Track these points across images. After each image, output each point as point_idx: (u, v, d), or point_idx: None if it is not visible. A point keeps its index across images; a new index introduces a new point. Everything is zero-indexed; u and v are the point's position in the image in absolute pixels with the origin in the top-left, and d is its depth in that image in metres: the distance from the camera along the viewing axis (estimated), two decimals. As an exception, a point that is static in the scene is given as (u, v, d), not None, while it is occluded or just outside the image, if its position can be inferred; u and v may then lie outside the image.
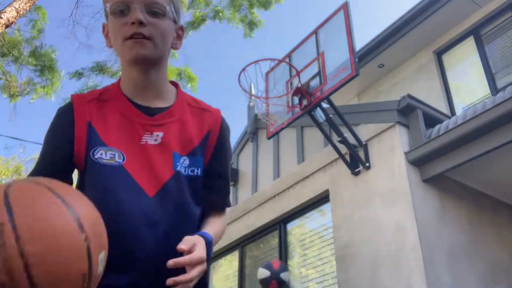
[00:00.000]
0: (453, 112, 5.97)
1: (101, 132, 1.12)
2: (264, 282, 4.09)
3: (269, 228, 5.82)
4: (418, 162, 4.24)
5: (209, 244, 1.04)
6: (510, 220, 4.76)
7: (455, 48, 6.40)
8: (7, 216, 0.75)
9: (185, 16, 8.21)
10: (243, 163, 7.14)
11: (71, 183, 1.14)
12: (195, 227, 1.14)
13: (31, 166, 15.13)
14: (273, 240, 5.76)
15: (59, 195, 0.81)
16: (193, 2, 8.04)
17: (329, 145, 4.85)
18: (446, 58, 6.50)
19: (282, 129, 5.07)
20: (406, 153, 4.28)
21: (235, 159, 7.36)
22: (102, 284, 0.93)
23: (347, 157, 4.76)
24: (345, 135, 4.57)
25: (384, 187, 4.31)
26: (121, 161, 1.10)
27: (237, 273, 6.14)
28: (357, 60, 4.32)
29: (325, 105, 4.65)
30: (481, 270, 4.12)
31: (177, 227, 1.09)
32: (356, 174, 4.66)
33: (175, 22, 1.20)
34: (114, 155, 1.10)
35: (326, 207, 5.10)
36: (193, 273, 0.96)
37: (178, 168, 1.13)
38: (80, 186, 1.13)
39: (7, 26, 5.69)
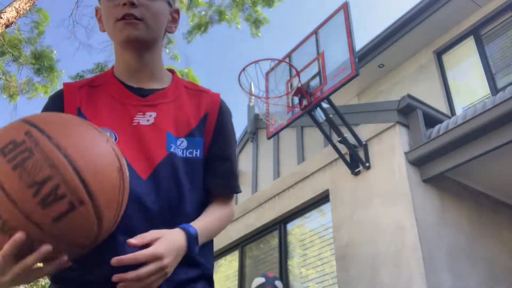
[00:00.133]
0: (453, 112, 5.97)
1: (91, 117, 1.08)
2: None
3: (269, 228, 5.82)
4: (418, 162, 4.24)
5: (191, 237, 0.97)
6: (510, 220, 4.76)
7: (455, 48, 6.40)
8: (27, 126, 0.83)
9: (187, 19, 8.21)
10: (243, 163, 7.14)
11: None
12: (194, 213, 1.07)
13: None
14: (273, 240, 5.76)
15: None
16: (192, 2, 8.03)
17: (329, 145, 4.85)
18: (446, 58, 6.50)
19: (282, 129, 5.07)
20: (406, 153, 4.28)
21: (235, 159, 7.35)
22: (92, 274, 0.93)
23: (347, 157, 4.76)
24: (345, 135, 4.57)
25: (384, 187, 4.31)
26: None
27: (237, 273, 6.14)
28: (357, 60, 4.32)
29: (325, 105, 4.65)
30: (481, 270, 4.12)
31: (172, 212, 1.02)
32: (356, 174, 4.66)
33: (170, 5, 1.17)
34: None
35: (326, 207, 5.10)
36: (143, 270, 0.88)
37: (172, 150, 1.07)
38: None
39: (7, 26, 5.69)
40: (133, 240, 0.90)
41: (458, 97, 6.14)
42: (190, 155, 1.10)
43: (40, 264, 0.82)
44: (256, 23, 8.02)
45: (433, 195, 4.21)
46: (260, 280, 4.20)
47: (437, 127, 4.35)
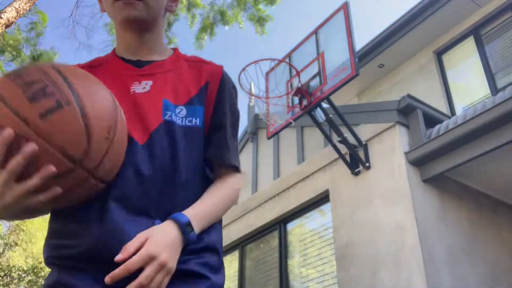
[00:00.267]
0: (453, 112, 5.97)
1: None
2: None
3: (269, 228, 5.82)
4: (418, 162, 4.24)
5: (183, 226, 0.94)
6: (510, 220, 4.76)
7: (455, 48, 6.40)
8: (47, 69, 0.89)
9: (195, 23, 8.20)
10: (243, 163, 7.14)
11: None
12: (192, 184, 1.04)
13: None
14: (273, 240, 5.76)
15: None
16: (190, 4, 8.03)
17: (329, 145, 4.85)
18: (446, 58, 6.50)
19: (282, 129, 5.07)
20: (406, 153, 4.28)
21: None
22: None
23: (347, 157, 4.76)
24: (345, 135, 4.57)
25: (384, 187, 4.31)
26: None
27: (237, 274, 6.14)
28: (357, 60, 4.32)
29: (325, 105, 4.65)
30: (481, 270, 4.12)
31: (166, 181, 0.99)
32: (356, 174, 4.66)
33: None
34: None
35: (326, 207, 5.10)
36: (143, 276, 0.85)
37: (168, 118, 1.04)
38: None
39: (7, 26, 5.69)
40: (119, 256, 0.86)
41: (458, 97, 6.14)
42: (190, 124, 1.07)
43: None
44: (260, 21, 8.01)
45: (433, 195, 4.21)
46: None
47: (437, 127, 4.35)
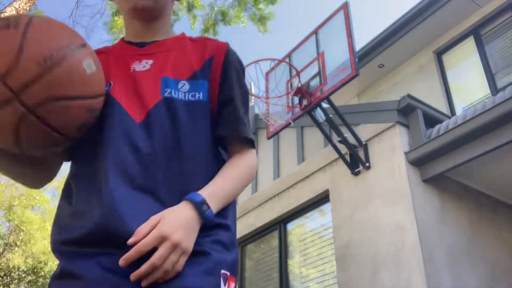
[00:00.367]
0: (453, 112, 5.97)
1: None
2: None
3: (269, 228, 5.82)
4: (418, 162, 4.24)
5: (198, 205, 0.92)
6: (510, 220, 4.76)
7: (455, 48, 6.40)
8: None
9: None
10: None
11: None
12: (200, 158, 1.01)
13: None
14: (273, 240, 5.76)
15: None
16: (191, 5, 8.04)
17: (329, 145, 4.85)
18: (446, 58, 6.51)
19: (282, 129, 5.07)
20: (406, 153, 4.28)
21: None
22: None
23: (347, 157, 4.76)
24: (345, 135, 4.57)
25: (384, 187, 4.31)
26: (107, 88, 1.04)
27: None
28: (357, 60, 4.32)
29: (325, 105, 4.65)
30: (481, 270, 4.12)
31: (169, 157, 0.98)
32: (356, 174, 4.66)
33: None
34: None
35: (326, 207, 5.10)
36: (155, 256, 0.84)
37: (167, 94, 1.03)
38: None
39: (7, 26, 5.68)
40: (131, 239, 0.85)
41: (458, 97, 6.14)
42: (193, 98, 1.05)
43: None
44: (262, 20, 8.01)
45: (433, 195, 4.21)
46: None
47: (437, 127, 4.35)
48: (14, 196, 15.09)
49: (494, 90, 5.59)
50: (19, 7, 5.73)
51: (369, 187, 4.49)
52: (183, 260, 0.87)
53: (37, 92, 0.86)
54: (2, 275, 14.10)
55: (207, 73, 1.09)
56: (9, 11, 5.62)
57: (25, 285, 14.62)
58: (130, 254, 0.84)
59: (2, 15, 5.53)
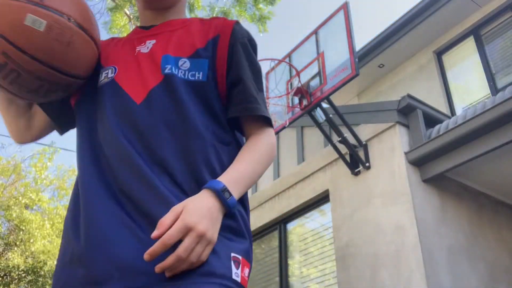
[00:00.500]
0: (453, 112, 5.97)
1: (103, 61, 1.10)
2: None
3: (269, 228, 5.82)
4: (418, 162, 4.24)
5: (219, 192, 0.88)
6: (510, 220, 4.76)
7: (455, 48, 6.40)
8: None
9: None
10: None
11: None
12: (207, 134, 0.98)
13: (29, 165, 15.13)
14: (273, 240, 5.76)
15: None
16: (191, 6, 8.04)
17: (329, 145, 4.85)
18: (446, 58, 6.50)
19: (282, 129, 5.07)
20: (406, 153, 4.28)
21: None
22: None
23: (347, 157, 4.76)
24: (345, 135, 4.57)
25: (384, 187, 4.31)
26: (113, 75, 1.05)
27: (237, 273, 6.13)
28: (357, 60, 4.32)
29: (325, 105, 4.65)
30: (481, 270, 4.12)
31: (174, 133, 0.96)
32: (356, 174, 4.66)
33: None
34: (108, 72, 1.06)
35: (326, 207, 5.10)
36: (181, 248, 0.81)
37: (168, 71, 1.01)
38: None
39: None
40: (155, 232, 0.81)
41: (458, 97, 6.14)
42: (193, 78, 1.02)
43: None
44: (261, 20, 8.02)
45: (433, 195, 4.21)
46: None
47: (437, 127, 4.35)
48: (14, 196, 15.08)
49: (494, 90, 5.59)
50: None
51: (369, 187, 4.49)
52: (208, 251, 0.84)
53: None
54: (2, 275, 14.10)
55: (210, 52, 1.05)
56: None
57: (25, 285, 14.62)
58: (156, 248, 0.80)
59: None
